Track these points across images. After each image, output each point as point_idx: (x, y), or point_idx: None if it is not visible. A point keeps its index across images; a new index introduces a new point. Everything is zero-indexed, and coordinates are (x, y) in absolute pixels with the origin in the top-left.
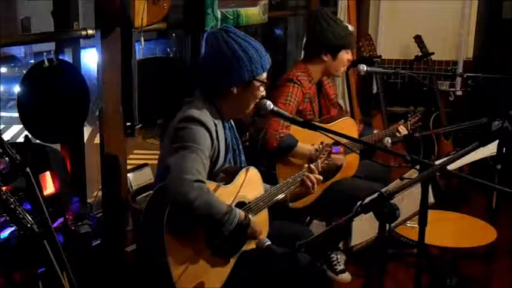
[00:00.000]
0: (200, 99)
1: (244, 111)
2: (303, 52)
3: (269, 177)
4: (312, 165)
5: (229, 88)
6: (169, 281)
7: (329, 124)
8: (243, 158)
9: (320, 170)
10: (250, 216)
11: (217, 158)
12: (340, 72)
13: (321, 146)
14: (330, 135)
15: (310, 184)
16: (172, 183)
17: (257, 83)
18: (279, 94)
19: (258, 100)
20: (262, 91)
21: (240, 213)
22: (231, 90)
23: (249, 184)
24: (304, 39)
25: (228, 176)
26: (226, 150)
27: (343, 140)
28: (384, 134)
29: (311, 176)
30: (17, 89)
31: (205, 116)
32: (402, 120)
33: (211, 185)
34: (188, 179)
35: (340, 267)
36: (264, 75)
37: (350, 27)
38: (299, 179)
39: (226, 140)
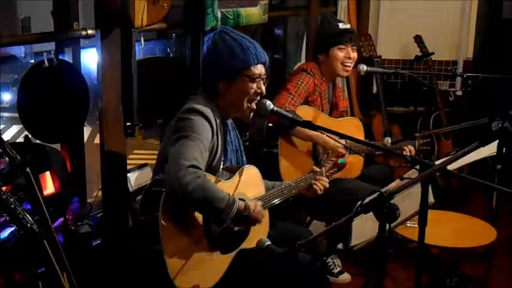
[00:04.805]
0: (203, 96)
1: (237, 108)
2: (303, 53)
3: (271, 157)
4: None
5: (216, 84)
6: (163, 269)
7: (334, 120)
8: (244, 158)
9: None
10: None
11: (216, 154)
12: (339, 70)
13: (326, 155)
14: (331, 135)
15: (318, 189)
16: (170, 168)
17: (244, 78)
18: (290, 79)
19: (251, 97)
20: (253, 88)
21: (240, 202)
22: (218, 86)
23: (249, 182)
24: (305, 40)
25: (228, 174)
26: (225, 149)
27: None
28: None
29: (318, 183)
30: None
31: (207, 110)
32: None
33: (210, 177)
34: (184, 164)
35: (338, 269)
36: (253, 71)
37: (342, 25)
38: (302, 183)
39: (225, 139)
